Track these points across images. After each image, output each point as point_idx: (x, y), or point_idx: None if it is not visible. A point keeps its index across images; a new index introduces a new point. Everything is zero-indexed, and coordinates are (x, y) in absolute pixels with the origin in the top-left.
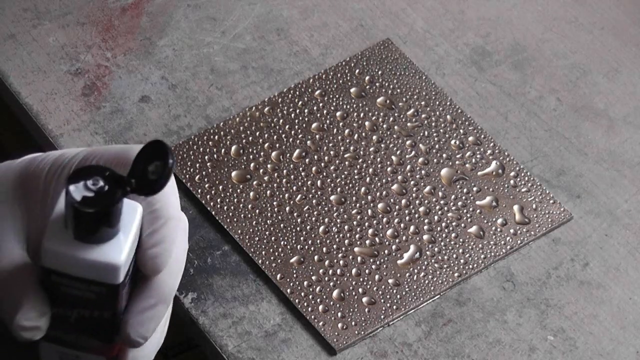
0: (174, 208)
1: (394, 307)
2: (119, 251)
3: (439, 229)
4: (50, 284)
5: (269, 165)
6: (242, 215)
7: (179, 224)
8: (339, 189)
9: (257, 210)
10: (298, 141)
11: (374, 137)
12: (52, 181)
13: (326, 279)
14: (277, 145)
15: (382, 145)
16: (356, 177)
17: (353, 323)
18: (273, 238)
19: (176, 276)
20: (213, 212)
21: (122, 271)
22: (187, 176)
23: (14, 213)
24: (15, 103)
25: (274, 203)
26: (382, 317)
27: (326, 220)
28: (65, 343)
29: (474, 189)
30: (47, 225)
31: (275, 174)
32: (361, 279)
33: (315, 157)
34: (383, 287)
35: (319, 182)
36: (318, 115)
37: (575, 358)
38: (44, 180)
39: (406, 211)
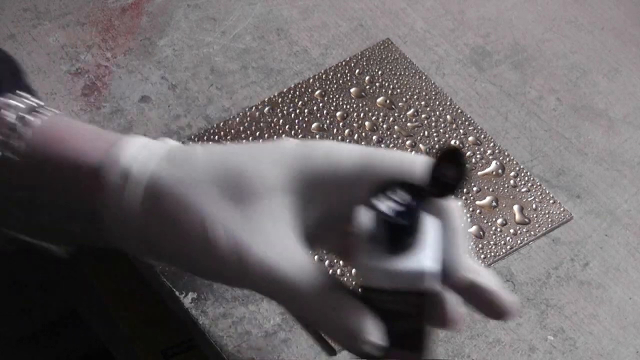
0: (461, 217)
1: None
2: (432, 258)
3: None
4: (367, 301)
5: None
6: None
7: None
8: None
9: None
10: None
11: (374, 137)
12: (330, 184)
13: None
14: None
15: (382, 145)
16: None
17: None
18: None
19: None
20: None
21: (438, 277)
22: None
23: (291, 206)
24: None
25: None
26: None
27: None
28: (374, 358)
29: (474, 189)
30: (355, 242)
31: None
32: None
33: None
34: None
35: None
36: (318, 115)
37: (575, 358)
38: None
39: None
